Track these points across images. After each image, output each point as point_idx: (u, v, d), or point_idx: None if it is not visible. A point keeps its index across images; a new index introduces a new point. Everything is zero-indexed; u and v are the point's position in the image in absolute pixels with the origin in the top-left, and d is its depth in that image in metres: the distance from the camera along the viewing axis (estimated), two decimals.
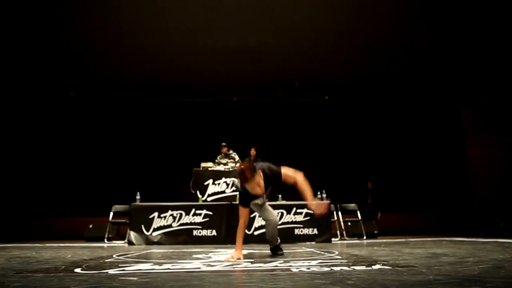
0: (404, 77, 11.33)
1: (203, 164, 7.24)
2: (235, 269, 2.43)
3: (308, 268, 2.35)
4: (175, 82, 11.19)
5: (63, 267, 2.62)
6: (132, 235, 6.14)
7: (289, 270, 2.30)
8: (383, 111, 11.31)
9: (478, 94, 11.43)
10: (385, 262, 2.66)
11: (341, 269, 2.27)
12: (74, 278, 2.02)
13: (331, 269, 2.28)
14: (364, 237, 7.48)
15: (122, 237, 7.33)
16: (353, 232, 7.99)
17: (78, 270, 2.41)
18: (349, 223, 8.02)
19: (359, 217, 7.85)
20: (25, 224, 9.80)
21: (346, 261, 2.84)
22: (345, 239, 7.34)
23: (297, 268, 2.35)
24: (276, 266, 2.56)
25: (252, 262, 2.83)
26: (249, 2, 9.57)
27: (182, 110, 11.06)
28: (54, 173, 10.39)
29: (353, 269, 2.28)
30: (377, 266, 2.40)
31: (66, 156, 10.55)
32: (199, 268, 2.52)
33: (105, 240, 7.01)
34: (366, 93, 11.60)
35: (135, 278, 1.98)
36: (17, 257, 3.55)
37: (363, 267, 2.36)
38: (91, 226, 7.57)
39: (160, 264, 2.76)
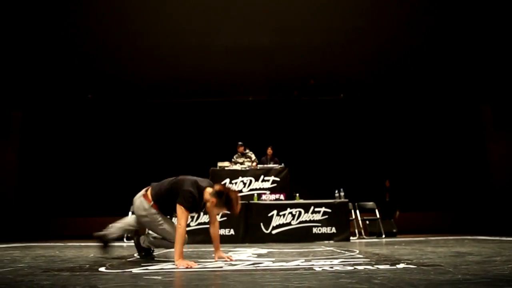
0: (422, 74, 11.13)
1: (220, 164, 7.26)
2: (257, 268, 2.43)
3: (331, 267, 2.33)
4: (191, 82, 11.25)
5: (87, 266, 2.67)
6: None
7: (312, 269, 2.29)
8: (400, 108, 11.13)
9: (498, 91, 11.16)
10: (409, 261, 2.61)
11: (365, 268, 2.24)
12: (99, 277, 2.04)
13: (355, 268, 2.26)
14: (383, 236, 7.39)
15: None
16: (371, 230, 7.90)
17: (102, 269, 2.44)
18: (367, 222, 7.93)
19: (378, 215, 7.76)
20: (46, 224, 10.00)
21: (369, 260, 2.81)
22: (363, 238, 7.27)
23: (320, 267, 2.34)
24: (298, 265, 2.55)
25: (273, 261, 2.82)
26: (261, 2, 9.55)
27: (198, 110, 11.11)
28: (74, 174, 10.57)
29: (377, 268, 2.26)
30: (401, 265, 2.37)
31: (86, 157, 10.72)
32: (221, 267, 2.53)
33: (124, 240, 7.09)
34: (383, 90, 11.44)
35: (159, 277, 2.00)
36: (42, 256, 3.62)
37: (387, 266, 2.32)
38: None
39: None
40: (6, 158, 10.67)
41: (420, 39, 10.16)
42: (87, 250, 4.50)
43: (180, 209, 2.82)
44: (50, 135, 10.92)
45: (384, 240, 6.56)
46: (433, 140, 10.82)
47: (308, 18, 9.90)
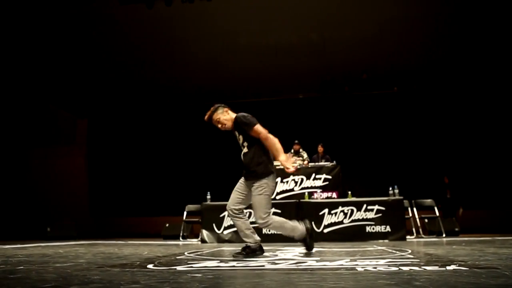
0: (482, 62, 10.30)
1: None
2: (298, 267, 2.41)
3: (375, 268, 2.25)
4: (241, 83, 11.39)
5: (138, 263, 2.82)
6: (205, 233, 6.38)
7: (354, 269, 2.23)
8: (459, 100, 10.40)
9: None
10: (462, 263, 2.45)
11: (410, 269, 2.14)
12: (144, 273, 2.15)
13: (399, 269, 2.16)
14: (444, 235, 6.97)
15: (196, 235, 7.65)
16: (430, 229, 7.48)
17: (150, 266, 2.56)
18: (426, 220, 7.53)
19: (437, 213, 7.34)
20: (113, 223, 10.73)
21: (418, 260, 2.68)
22: (421, 237, 6.91)
23: (362, 267, 2.27)
24: (342, 265, 2.50)
25: (317, 261, 2.79)
26: None
27: (249, 110, 11.18)
28: (137, 176, 11.17)
29: (424, 269, 2.14)
30: (452, 267, 2.22)
31: (147, 160, 11.27)
32: (263, 266, 2.54)
33: (180, 238, 7.37)
34: (440, 81, 10.77)
35: (199, 275, 2.06)
36: (102, 252, 3.89)
37: (436, 268, 2.20)
38: (167, 225, 7.99)
39: (227, 261, 2.83)
40: (75, 163, 11.56)
41: (478, 23, 9.42)
42: (143, 248, 4.75)
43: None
44: (113, 140, 11.64)
45: (444, 239, 6.19)
46: (498, 131, 9.98)
47: (356, 10, 9.62)
